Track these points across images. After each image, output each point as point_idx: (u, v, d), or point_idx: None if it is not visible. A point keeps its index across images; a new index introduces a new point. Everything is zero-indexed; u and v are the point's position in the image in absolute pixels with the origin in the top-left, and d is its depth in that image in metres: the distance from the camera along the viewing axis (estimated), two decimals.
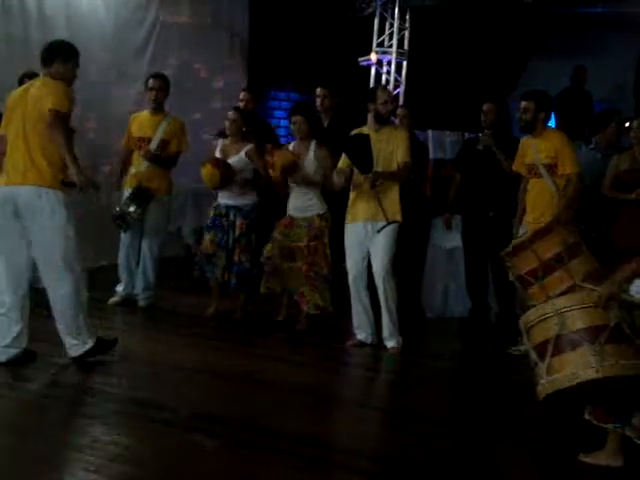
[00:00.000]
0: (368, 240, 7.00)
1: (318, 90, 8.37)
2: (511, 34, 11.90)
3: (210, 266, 7.73)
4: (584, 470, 4.66)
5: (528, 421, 5.50)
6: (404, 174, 7.02)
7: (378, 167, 6.86)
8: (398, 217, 6.98)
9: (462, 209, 8.29)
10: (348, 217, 7.12)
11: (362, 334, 7.16)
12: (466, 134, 9.45)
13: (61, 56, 5.99)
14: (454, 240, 8.49)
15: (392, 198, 6.98)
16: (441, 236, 8.61)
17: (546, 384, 4.62)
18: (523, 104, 6.92)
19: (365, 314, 7.15)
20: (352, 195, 7.09)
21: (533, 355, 4.74)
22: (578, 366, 4.50)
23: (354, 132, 7.06)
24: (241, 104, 8.49)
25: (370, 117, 7.07)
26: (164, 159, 7.97)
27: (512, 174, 7.28)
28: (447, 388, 6.37)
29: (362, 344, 7.13)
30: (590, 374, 4.47)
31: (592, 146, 7.56)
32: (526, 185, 7.08)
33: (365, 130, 7.10)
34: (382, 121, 7.03)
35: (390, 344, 7.04)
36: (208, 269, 7.76)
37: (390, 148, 6.97)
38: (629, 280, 4.62)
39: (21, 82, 7.90)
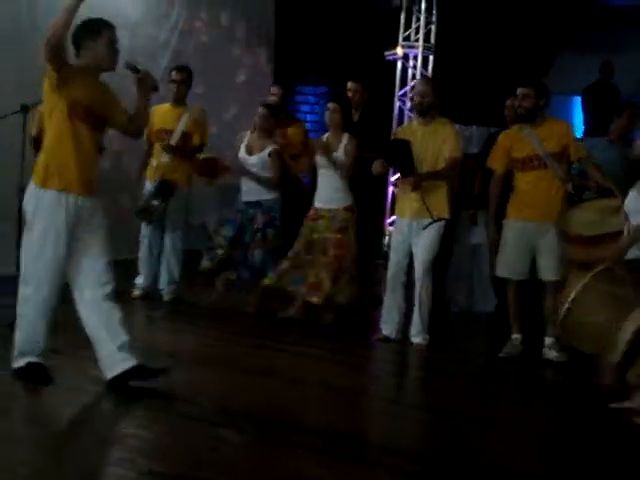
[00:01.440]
0: (413, 237, 6.97)
1: (350, 84, 8.31)
2: (539, 29, 11.80)
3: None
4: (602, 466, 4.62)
5: (559, 419, 5.46)
6: (451, 170, 6.98)
7: (425, 162, 6.85)
8: (445, 214, 6.94)
9: (487, 204, 8.22)
10: (396, 210, 7.16)
11: (388, 329, 7.13)
12: (492, 129, 9.38)
13: (87, 37, 5.13)
14: (479, 236, 8.44)
15: (439, 195, 6.93)
16: (466, 231, 8.57)
17: None
18: (522, 91, 6.73)
19: (396, 310, 7.11)
20: (399, 189, 7.05)
21: None
22: None
23: (397, 130, 7.09)
24: (272, 98, 8.44)
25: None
26: (185, 151, 7.98)
27: None
28: (474, 384, 6.31)
29: (387, 339, 7.10)
30: None
31: (607, 138, 7.48)
32: (501, 180, 6.98)
33: (414, 124, 7.07)
34: (421, 113, 6.98)
35: (417, 340, 7.02)
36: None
37: (438, 143, 6.91)
38: None
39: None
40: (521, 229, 6.80)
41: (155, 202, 7.80)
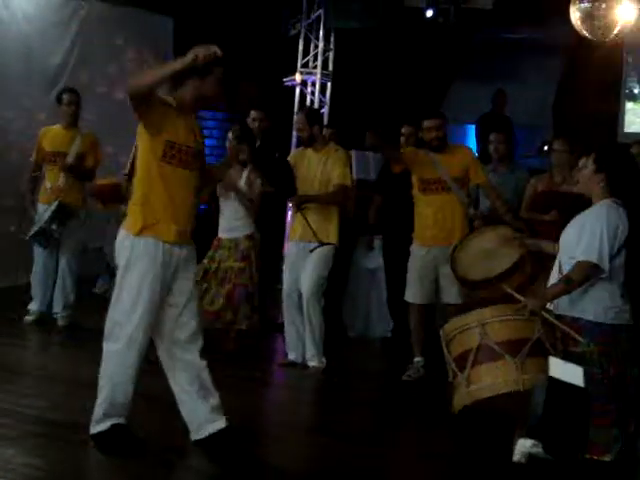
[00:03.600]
0: (302, 260, 7.00)
1: (253, 113, 8.31)
2: (434, 58, 12.01)
3: None
4: None
5: (449, 439, 5.53)
6: (336, 196, 7.01)
7: (314, 188, 6.94)
8: (332, 239, 6.98)
9: (383, 230, 8.34)
10: (290, 234, 7.20)
11: (293, 354, 7.15)
12: None
13: (195, 74, 4.82)
14: (376, 260, 8.54)
15: (326, 219, 6.98)
16: (363, 256, 8.65)
17: (465, 395, 4.64)
18: (433, 123, 6.90)
19: (296, 334, 7.12)
20: (291, 212, 7.15)
21: (452, 367, 4.75)
22: (499, 377, 4.55)
23: (290, 155, 7.17)
24: None
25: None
26: (80, 172, 7.93)
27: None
28: (369, 408, 6.36)
29: (293, 364, 7.11)
30: (511, 386, 4.51)
31: (491, 167, 7.67)
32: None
33: (309, 151, 7.13)
34: (303, 144, 7.13)
35: (312, 363, 7.04)
36: None
37: (327, 169, 6.97)
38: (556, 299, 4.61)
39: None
40: (425, 254, 6.91)
41: (53, 226, 7.69)
